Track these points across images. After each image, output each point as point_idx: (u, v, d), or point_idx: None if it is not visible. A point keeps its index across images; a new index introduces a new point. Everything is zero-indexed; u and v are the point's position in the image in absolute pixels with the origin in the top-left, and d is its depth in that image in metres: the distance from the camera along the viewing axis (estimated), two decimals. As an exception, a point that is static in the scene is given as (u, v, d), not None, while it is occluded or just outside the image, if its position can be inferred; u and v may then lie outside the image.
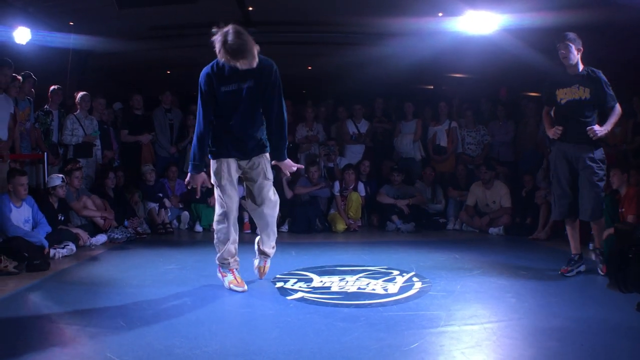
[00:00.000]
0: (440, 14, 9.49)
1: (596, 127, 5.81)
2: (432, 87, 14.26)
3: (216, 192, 5.47)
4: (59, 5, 9.07)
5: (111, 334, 3.95)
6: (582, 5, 7.90)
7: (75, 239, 7.43)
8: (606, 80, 5.88)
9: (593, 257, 6.51)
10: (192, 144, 5.28)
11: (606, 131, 5.88)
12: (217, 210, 5.50)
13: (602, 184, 5.98)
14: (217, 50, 4.90)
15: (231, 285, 5.27)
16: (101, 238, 8.06)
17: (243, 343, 3.76)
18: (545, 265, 6.71)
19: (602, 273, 5.98)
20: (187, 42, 11.53)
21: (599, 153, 5.97)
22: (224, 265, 5.44)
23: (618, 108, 5.90)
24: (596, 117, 5.98)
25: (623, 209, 6.94)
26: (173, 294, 5.12)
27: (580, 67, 5.96)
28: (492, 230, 9.39)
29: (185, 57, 12.54)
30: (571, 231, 6.35)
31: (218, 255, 5.46)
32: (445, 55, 11.29)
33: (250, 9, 9.88)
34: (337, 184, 9.94)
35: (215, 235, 5.52)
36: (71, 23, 9.69)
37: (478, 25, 9.35)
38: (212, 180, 5.44)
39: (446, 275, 5.95)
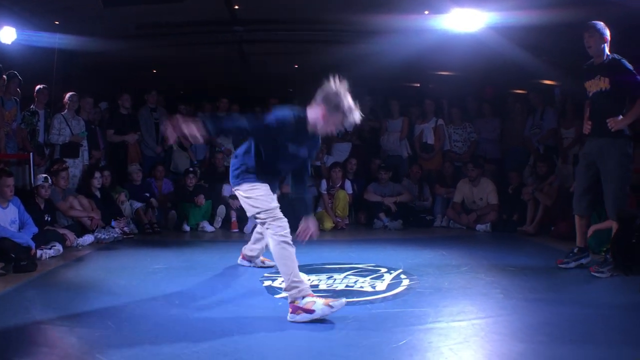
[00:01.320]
0: (426, 12, 9.50)
1: (615, 119, 5.66)
2: (418, 84, 14.26)
3: (264, 215, 4.84)
4: (44, 4, 9.02)
5: (99, 334, 3.94)
6: (569, 4, 7.93)
7: (62, 239, 7.38)
8: (629, 68, 5.66)
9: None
10: (226, 125, 4.85)
11: (626, 122, 5.70)
12: (278, 231, 4.71)
13: (623, 180, 5.78)
14: (336, 111, 4.66)
15: (330, 303, 4.25)
16: (88, 238, 8.00)
17: (232, 342, 3.75)
18: (532, 262, 6.79)
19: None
20: (173, 41, 11.51)
21: (621, 147, 5.77)
22: (304, 290, 4.44)
23: None
24: (624, 108, 5.77)
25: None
26: (161, 294, 5.10)
27: (605, 56, 5.82)
28: (479, 227, 9.43)
29: (172, 56, 12.52)
30: (579, 223, 6.32)
31: (294, 286, 4.45)
32: (431, 53, 11.28)
33: (237, 7, 9.84)
34: (324, 182, 9.94)
35: (282, 263, 4.63)
36: (57, 22, 9.63)
37: (464, 23, 9.37)
38: (256, 198, 4.92)
39: (434, 272, 5.98)
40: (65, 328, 4.08)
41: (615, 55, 5.77)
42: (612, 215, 5.81)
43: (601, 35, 5.76)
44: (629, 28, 6.92)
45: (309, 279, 5.61)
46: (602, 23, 5.83)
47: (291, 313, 4.26)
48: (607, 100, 5.77)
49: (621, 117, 5.69)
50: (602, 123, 5.76)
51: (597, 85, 5.86)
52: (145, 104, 10.72)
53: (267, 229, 4.74)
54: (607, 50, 5.81)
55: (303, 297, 4.30)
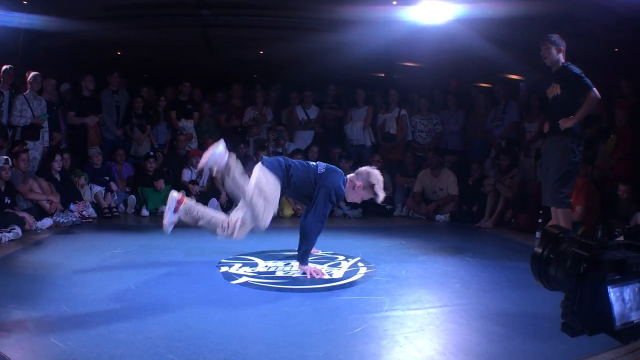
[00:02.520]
0: (394, 2, 9.48)
1: (565, 119, 6.10)
2: (383, 75, 14.28)
3: (261, 202, 5.22)
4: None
5: (55, 319, 3.90)
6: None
7: (21, 222, 7.26)
8: (576, 73, 6.09)
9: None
10: (311, 242, 5.33)
11: (574, 121, 6.09)
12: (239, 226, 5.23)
13: (560, 172, 6.19)
14: (370, 190, 5.59)
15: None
16: (47, 222, 7.88)
17: (186, 328, 3.73)
18: (490, 252, 6.87)
19: None
20: (138, 23, 11.34)
21: (565, 143, 6.18)
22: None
23: (590, 96, 6.01)
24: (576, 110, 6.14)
25: (571, 200, 7.10)
26: (117, 279, 5.05)
27: (559, 64, 6.25)
28: (439, 217, 9.51)
29: (136, 38, 12.34)
30: (554, 216, 6.53)
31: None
32: (398, 44, 11.29)
33: (205, -11, 9.74)
34: (285, 169, 9.90)
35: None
36: (25, 2, 9.43)
37: (432, 14, 9.39)
38: (263, 185, 5.31)
39: (391, 261, 6.02)
40: (21, 312, 4.02)
41: (566, 63, 6.23)
42: (548, 202, 6.42)
43: (557, 47, 6.22)
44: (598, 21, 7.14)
45: (266, 266, 5.61)
46: (557, 35, 6.29)
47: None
48: (560, 104, 6.27)
49: (565, 118, 6.13)
50: (556, 124, 6.23)
51: (552, 91, 6.40)
52: (107, 86, 10.57)
53: (241, 212, 5.25)
54: (562, 59, 6.26)
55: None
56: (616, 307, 1.62)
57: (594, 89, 6.00)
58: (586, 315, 1.64)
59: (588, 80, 6.04)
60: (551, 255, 1.82)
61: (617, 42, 8.91)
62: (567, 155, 6.18)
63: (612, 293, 1.62)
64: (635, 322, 1.66)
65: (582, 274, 1.64)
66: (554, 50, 6.21)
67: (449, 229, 8.96)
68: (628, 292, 1.65)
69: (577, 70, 6.10)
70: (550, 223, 7.12)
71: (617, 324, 1.62)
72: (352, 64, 12.43)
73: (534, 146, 9.57)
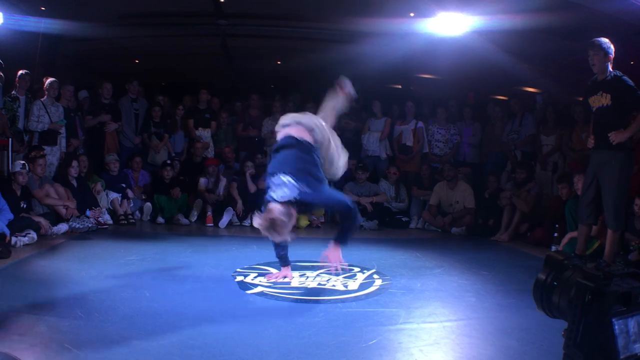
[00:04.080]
0: (411, 14, 9.50)
1: (616, 132, 5.85)
2: (400, 86, 14.30)
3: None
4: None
5: (69, 324, 3.89)
6: (553, 9, 7.97)
7: (36, 227, 7.30)
8: (630, 85, 5.83)
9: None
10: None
11: (627, 136, 5.87)
12: None
13: (622, 191, 5.97)
14: None
15: None
16: (62, 227, 7.92)
17: (201, 336, 3.72)
18: (506, 266, 6.79)
19: None
20: (156, 32, 11.43)
21: (622, 159, 5.94)
22: None
23: None
24: (627, 123, 5.93)
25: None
26: (132, 286, 5.05)
27: (608, 72, 5.96)
28: (455, 230, 9.45)
29: (154, 47, 12.44)
30: (581, 232, 6.42)
31: None
32: (415, 56, 11.32)
33: (222, 0, 9.79)
34: (301, 180, 9.88)
35: None
36: (43, 8, 9.53)
37: (449, 26, 9.39)
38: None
39: (407, 274, 5.98)
40: (35, 317, 4.03)
41: (618, 72, 5.91)
42: (611, 225, 6.04)
43: (606, 54, 5.89)
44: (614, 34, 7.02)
45: (284, 277, 5.60)
46: (607, 40, 5.94)
47: None
48: (609, 116, 5.95)
49: (616, 132, 5.85)
50: (604, 137, 5.94)
51: (599, 101, 6.02)
52: (126, 93, 10.64)
53: None
54: (610, 67, 5.95)
55: None
56: (620, 340, 1.60)
57: None
58: (589, 347, 1.61)
59: None
60: (555, 283, 1.79)
61: (632, 54, 8.86)
62: (625, 172, 5.98)
63: (617, 325, 1.60)
64: (639, 354, 1.63)
65: (586, 305, 1.61)
66: (603, 57, 5.91)
67: (464, 242, 8.90)
68: (632, 324, 1.64)
69: (631, 82, 5.84)
70: (568, 236, 7.07)
71: (621, 357, 1.59)
72: (369, 75, 12.44)
73: (550, 159, 9.51)
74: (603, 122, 6.01)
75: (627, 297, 1.64)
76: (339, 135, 10.64)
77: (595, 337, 1.60)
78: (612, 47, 5.92)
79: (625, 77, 5.87)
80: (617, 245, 6.26)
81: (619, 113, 5.93)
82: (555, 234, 7.84)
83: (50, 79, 9.05)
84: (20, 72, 8.85)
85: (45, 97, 8.96)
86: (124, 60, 13.43)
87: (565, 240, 7.42)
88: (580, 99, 9.52)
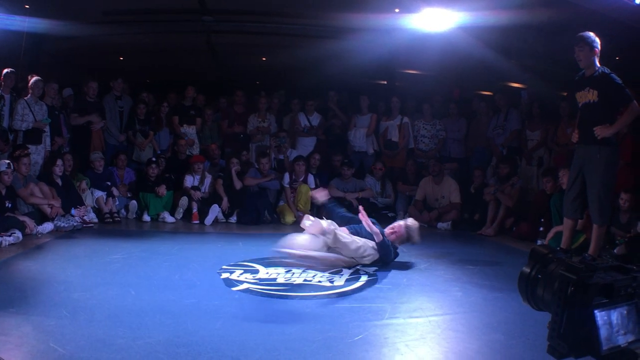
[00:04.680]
0: (396, 10, 9.50)
1: (602, 127, 5.83)
2: (385, 82, 14.31)
3: None
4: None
5: (54, 323, 3.86)
6: (538, 5, 8.00)
7: (22, 226, 7.23)
8: (618, 82, 5.81)
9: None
10: None
11: (612, 132, 5.88)
12: None
13: (607, 186, 5.97)
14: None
15: None
16: (48, 226, 7.86)
17: (187, 334, 3.71)
18: (491, 260, 6.84)
19: None
20: (141, 28, 11.37)
21: (607, 155, 5.94)
22: None
23: (632, 107, 5.81)
24: (613, 119, 5.92)
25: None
26: (118, 284, 5.03)
27: (595, 69, 5.94)
28: (441, 225, 9.49)
29: (139, 44, 12.37)
30: (567, 226, 6.42)
31: None
32: (400, 52, 11.34)
33: (207, -4, 9.77)
34: (287, 176, 9.91)
35: None
36: (27, 6, 9.45)
37: (434, 22, 9.40)
38: None
39: (392, 269, 6.00)
40: (21, 316, 4.00)
41: (606, 69, 5.90)
42: (596, 220, 6.05)
43: (591, 48, 5.87)
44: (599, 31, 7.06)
45: (267, 272, 5.60)
46: (592, 34, 5.92)
47: None
48: (595, 111, 5.94)
49: (601, 126, 5.85)
50: (590, 132, 5.93)
51: (586, 96, 6.01)
52: (110, 91, 10.57)
53: None
54: (597, 62, 5.93)
55: None
56: (603, 331, 1.61)
57: (635, 101, 5.81)
58: (572, 339, 1.62)
59: (629, 91, 5.84)
60: (539, 276, 1.81)
61: (618, 51, 8.91)
62: (611, 167, 5.97)
63: (599, 317, 1.61)
64: (622, 346, 1.65)
65: (569, 297, 1.63)
66: (589, 51, 5.88)
67: (450, 237, 8.94)
68: (615, 315, 1.64)
69: (619, 79, 5.81)
70: (554, 230, 7.12)
71: (604, 348, 1.61)
72: (354, 71, 12.47)
73: (535, 154, 9.57)
74: (589, 118, 6.00)
75: (610, 289, 1.65)
76: (324, 132, 10.73)
77: (579, 328, 1.61)
78: (597, 40, 5.90)
79: (614, 75, 5.85)
80: (602, 240, 6.28)
81: (606, 109, 5.92)
82: (541, 228, 7.89)
83: (34, 78, 8.97)
84: (5, 70, 8.76)
85: (30, 95, 8.87)
86: (109, 57, 13.35)
87: (550, 234, 7.47)
88: (565, 94, 9.60)
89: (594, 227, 6.14)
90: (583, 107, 6.10)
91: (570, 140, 6.65)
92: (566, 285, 1.64)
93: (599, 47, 5.91)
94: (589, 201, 6.08)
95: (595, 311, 1.61)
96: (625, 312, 1.66)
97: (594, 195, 5.98)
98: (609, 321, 1.63)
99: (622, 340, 1.65)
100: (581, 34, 5.96)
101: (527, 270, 1.87)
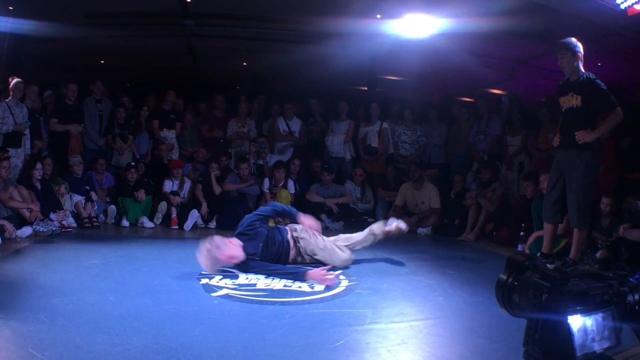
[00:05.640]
0: (378, 16, 9.51)
1: (583, 132, 5.86)
2: (365, 88, 14.35)
3: None
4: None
5: (33, 328, 3.81)
6: (519, 12, 8.04)
7: (0, 230, 7.18)
8: (601, 87, 5.84)
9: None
10: None
11: (594, 137, 5.90)
12: None
13: (585, 190, 5.98)
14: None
15: None
16: (26, 230, 7.77)
17: (166, 340, 3.67)
18: (472, 265, 6.88)
19: None
20: (122, 31, 11.30)
21: (587, 159, 5.96)
22: None
23: (615, 114, 5.84)
24: (595, 124, 5.95)
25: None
26: (96, 290, 4.97)
27: (580, 74, 5.96)
28: (421, 230, 9.50)
29: (120, 47, 12.29)
30: (547, 230, 6.46)
31: None
32: (381, 57, 11.35)
33: (189, 0, 9.70)
34: (266, 181, 9.88)
35: None
36: (10, 8, 9.36)
37: (415, 28, 9.42)
38: None
39: (373, 274, 5.98)
40: (-1, 321, 3.96)
41: (591, 75, 5.92)
42: (574, 224, 6.09)
43: (574, 53, 5.92)
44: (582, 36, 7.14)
45: (247, 278, 5.56)
46: (574, 39, 5.96)
47: None
48: (578, 116, 5.97)
49: (583, 131, 5.89)
50: (571, 136, 5.96)
51: (569, 101, 6.05)
52: (90, 94, 10.48)
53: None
54: (581, 67, 5.97)
55: None
56: (577, 338, 1.63)
57: (618, 107, 5.84)
58: (547, 345, 1.66)
59: (613, 97, 5.87)
60: (515, 283, 1.84)
61: (599, 56, 8.98)
62: (590, 171, 5.99)
63: (573, 323, 1.63)
64: (597, 352, 1.67)
65: (543, 304, 1.65)
66: (571, 57, 5.94)
67: (431, 242, 8.95)
68: (591, 322, 1.66)
69: (603, 85, 5.86)
70: (534, 235, 7.16)
71: (578, 354, 1.63)
72: (335, 76, 12.49)
73: (516, 160, 9.63)
74: (572, 123, 6.03)
75: (584, 295, 1.67)
76: (304, 138, 10.72)
77: (553, 335, 1.64)
78: (579, 45, 5.95)
79: (598, 80, 5.88)
80: (583, 244, 6.33)
81: (588, 114, 5.95)
82: (522, 233, 7.92)
83: (15, 79, 8.88)
84: None
85: (10, 97, 8.78)
86: (90, 59, 13.25)
87: (531, 239, 7.51)
88: (543, 99, 9.66)
89: (575, 231, 6.17)
90: (566, 111, 6.14)
91: (552, 146, 6.68)
92: (540, 292, 1.67)
93: (582, 51, 5.95)
94: (568, 204, 6.11)
95: (569, 318, 1.63)
96: (600, 318, 1.68)
97: (573, 198, 6.02)
98: (583, 328, 1.65)
99: (598, 346, 1.67)
100: (562, 40, 6.02)
101: (504, 277, 1.90)
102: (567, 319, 1.62)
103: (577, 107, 5.98)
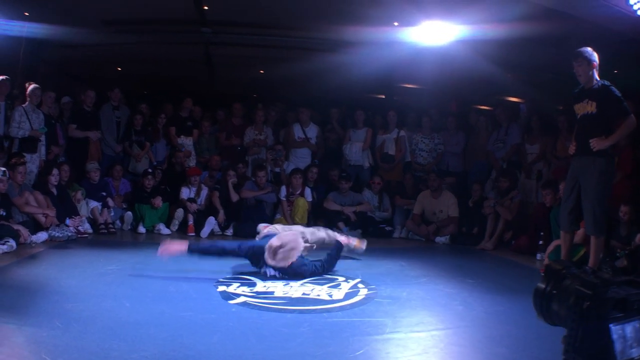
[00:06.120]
0: (395, 24, 9.47)
1: (598, 139, 5.89)
2: (383, 96, 14.30)
3: None
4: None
5: (47, 334, 3.78)
6: (538, 18, 7.98)
7: (16, 235, 7.15)
8: (616, 94, 5.89)
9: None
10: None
11: (608, 144, 5.92)
12: None
13: (601, 197, 5.98)
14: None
15: None
16: (42, 236, 7.78)
17: (182, 347, 3.63)
18: (491, 274, 6.80)
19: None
20: (139, 38, 11.34)
21: (601, 165, 5.96)
22: None
23: (628, 121, 5.89)
24: (610, 131, 5.97)
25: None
26: (112, 296, 4.95)
27: (594, 81, 6.02)
28: (439, 239, 9.43)
29: (137, 54, 12.34)
30: (564, 240, 6.44)
31: None
32: (399, 65, 11.31)
33: (206, 7, 9.71)
34: (283, 189, 9.86)
35: None
36: (26, 13, 9.41)
37: (433, 36, 9.37)
38: None
39: (392, 283, 5.91)
40: (13, 326, 3.92)
41: (606, 82, 5.97)
42: (590, 231, 6.08)
43: (589, 62, 5.97)
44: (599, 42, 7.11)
45: (265, 286, 5.51)
46: (589, 49, 6.02)
47: None
48: (593, 123, 6.00)
49: (598, 138, 5.90)
50: (586, 143, 5.98)
51: (584, 108, 6.08)
52: (107, 101, 10.52)
53: None
54: (596, 75, 6.03)
55: None
56: (617, 345, 1.65)
57: (632, 115, 5.88)
58: (588, 353, 1.65)
59: (627, 105, 5.91)
60: (554, 292, 1.82)
61: (617, 63, 8.91)
62: (605, 178, 6.00)
63: (614, 331, 1.64)
64: (636, 358, 1.67)
65: (584, 311, 1.64)
66: (587, 66, 5.99)
67: (449, 251, 8.90)
68: (629, 329, 1.67)
69: (618, 92, 5.90)
70: (553, 244, 7.07)
71: None
72: (352, 84, 12.45)
73: (535, 168, 9.55)
74: (587, 130, 6.04)
75: (624, 303, 1.67)
76: (322, 146, 10.70)
77: (594, 342, 1.63)
78: (594, 54, 5.99)
79: (613, 87, 5.91)
80: (601, 251, 6.26)
81: (603, 121, 5.97)
82: (541, 242, 7.83)
83: (32, 85, 8.90)
84: (0, 77, 8.71)
85: (27, 103, 8.81)
86: (106, 67, 13.32)
87: (550, 247, 7.40)
88: (561, 107, 9.58)
89: (592, 239, 6.14)
90: (581, 118, 6.15)
91: (569, 154, 6.65)
92: (582, 300, 1.66)
93: (597, 60, 6.00)
94: (584, 212, 6.10)
95: (611, 325, 1.64)
96: (638, 325, 1.68)
97: (588, 206, 6.01)
98: (623, 335, 1.65)
99: (636, 353, 1.67)
100: (579, 49, 6.06)
101: (542, 286, 1.87)
102: (609, 326, 1.59)
103: (592, 114, 6.02)
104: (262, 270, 5.87)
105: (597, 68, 6.03)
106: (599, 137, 5.91)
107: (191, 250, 5.90)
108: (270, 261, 5.76)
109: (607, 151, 5.97)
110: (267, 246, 5.81)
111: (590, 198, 5.99)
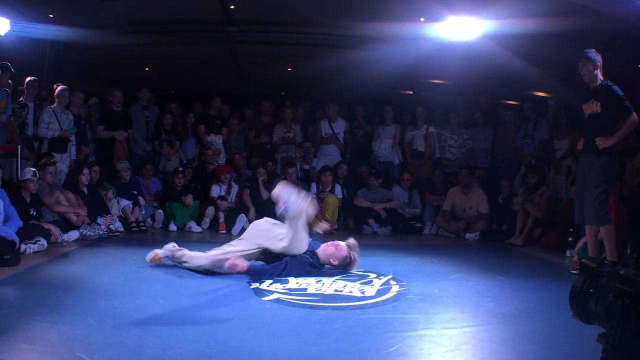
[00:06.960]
0: (422, 19, 9.44)
1: (603, 138, 6.12)
2: (411, 92, 14.25)
3: None
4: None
5: (81, 332, 3.82)
6: (564, 13, 7.92)
7: (46, 234, 7.24)
8: (619, 94, 6.12)
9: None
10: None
11: (612, 142, 6.12)
12: None
13: (600, 190, 6.15)
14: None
15: None
16: (73, 234, 7.88)
17: (217, 344, 3.66)
18: (521, 271, 6.77)
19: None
20: (166, 39, 11.42)
21: (604, 162, 6.19)
22: None
23: (630, 120, 6.07)
24: (615, 129, 6.19)
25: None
26: (145, 293, 4.99)
27: (598, 81, 6.25)
28: (469, 235, 9.38)
29: (164, 54, 12.43)
30: (589, 234, 6.50)
31: None
32: (426, 61, 11.26)
33: (232, 7, 9.76)
34: (314, 186, 9.86)
35: None
36: (51, 15, 9.52)
37: (459, 31, 9.32)
38: None
39: (423, 279, 5.91)
40: (47, 324, 3.98)
41: (608, 82, 6.24)
42: (590, 220, 6.31)
43: (593, 63, 6.24)
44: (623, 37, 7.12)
45: (297, 282, 5.53)
46: (593, 50, 6.29)
47: None
48: (598, 122, 6.26)
49: (603, 137, 6.15)
50: (592, 141, 6.23)
51: (590, 107, 6.36)
52: (137, 101, 10.63)
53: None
54: (600, 75, 6.28)
55: None
56: None
57: (634, 113, 6.04)
58: (627, 351, 1.61)
59: (628, 103, 6.11)
60: (591, 290, 1.79)
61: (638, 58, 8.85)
62: (607, 174, 6.19)
63: None
64: None
65: (624, 309, 1.61)
66: (591, 66, 6.21)
67: (479, 248, 8.84)
68: None
69: (619, 91, 6.13)
70: (582, 240, 7.03)
71: None
72: (379, 81, 12.42)
73: (564, 163, 9.47)
74: (593, 128, 6.31)
75: None
76: (350, 142, 10.67)
77: (634, 340, 1.58)
78: (598, 55, 6.25)
79: (615, 87, 6.18)
80: (613, 241, 6.28)
81: (608, 120, 6.23)
82: (570, 238, 7.76)
83: (60, 86, 9.02)
84: (28, 78, 8.84)
85: (56, 104, 8.93)
86: (133, 68, 13.43)
87: (580, 244, 7.33)
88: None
89: (601, 229, 6.29)
90: (588, 117, 6.41)
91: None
92: (622, 298, 1.62)
93: (600, 61, 6.26)
94: (585, 204, 6.32)
95: None
96: None
97: (589, 197, 6.24)
98: None
99: None
100: (584, 51, 6.31)
101: (578, 285, 1.85)
102: None
103: (597, 113, 6.28)
104: None
105: (601, 68, 6.27)
106: (604, 136, 6.14)
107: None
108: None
109: (611, 149, 6.20)
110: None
111: (591, 190, 6.22)
